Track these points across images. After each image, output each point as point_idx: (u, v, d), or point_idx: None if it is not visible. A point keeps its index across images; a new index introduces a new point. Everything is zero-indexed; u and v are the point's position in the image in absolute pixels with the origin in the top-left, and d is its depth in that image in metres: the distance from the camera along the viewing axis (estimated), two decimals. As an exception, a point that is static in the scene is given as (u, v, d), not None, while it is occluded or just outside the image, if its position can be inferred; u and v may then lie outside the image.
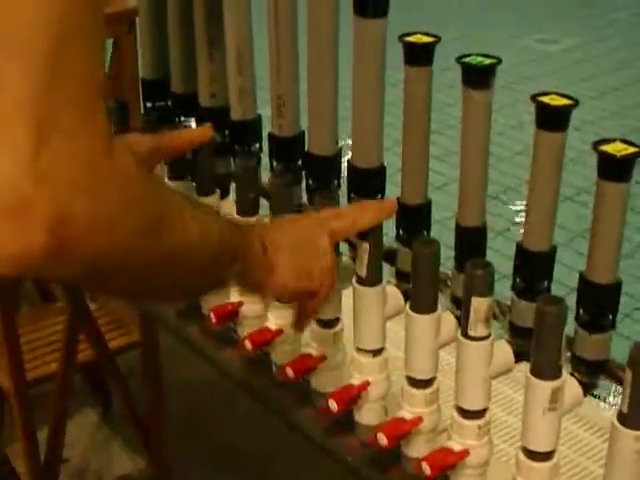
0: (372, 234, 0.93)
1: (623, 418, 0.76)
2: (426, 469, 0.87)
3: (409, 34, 0.92)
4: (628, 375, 0.73)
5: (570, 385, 0.83)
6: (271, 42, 1.09)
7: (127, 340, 1.99)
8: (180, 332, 1.23)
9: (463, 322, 0.85)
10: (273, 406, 1.10)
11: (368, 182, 1.02)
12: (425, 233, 1.00)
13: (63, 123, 0.54)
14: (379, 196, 1.03)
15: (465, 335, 0.85)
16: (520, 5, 6.04)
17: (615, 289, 0.82)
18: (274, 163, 1.16)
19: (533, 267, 0.87)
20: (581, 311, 0.84)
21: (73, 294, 1.82)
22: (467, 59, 0.85)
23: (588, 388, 0.86)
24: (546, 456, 0.83)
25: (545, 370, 0.79)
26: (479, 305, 0.84)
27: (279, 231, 0.89)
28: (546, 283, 0.87)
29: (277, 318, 1.07)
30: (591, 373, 0.86)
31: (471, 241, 0.93)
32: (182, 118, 1.32)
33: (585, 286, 0.83)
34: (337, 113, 1.05)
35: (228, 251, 0.78)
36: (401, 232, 1.01)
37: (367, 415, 1.00)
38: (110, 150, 0.58)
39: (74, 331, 1.84)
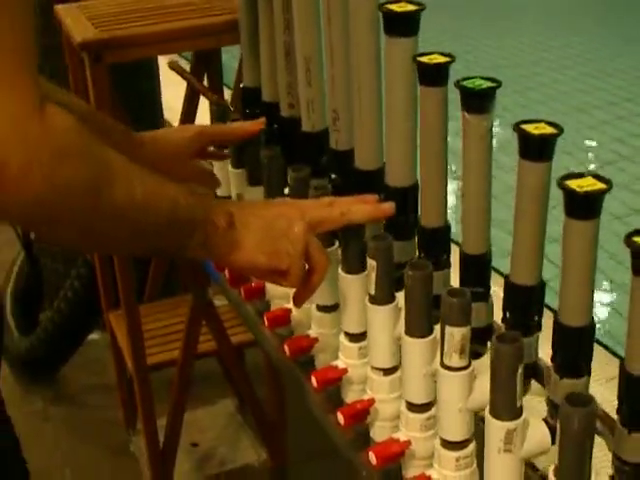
0: (380, 252, 0.93)
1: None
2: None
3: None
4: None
5: (536, 429, 0.79)
6: (326, 56, 1.11)
7: (251, 336, 2.05)
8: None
9: (440, 351, 0.84)
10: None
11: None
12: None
13: None
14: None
15: (441, 364, 0.84)
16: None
17: (589, 331, 0.77)
18: (332, 176, 1.17)
19: (521, 301, 0.84)
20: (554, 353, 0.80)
21: (197, 288, 1.91)
22: (466, 82, 0.83)
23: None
24: (506, 497, 0.79)
25: (500, 410, 0.76)
26: (453, 334, 0.82)
27: (251, 210, 0.92)
28: (536, 318, 0.84)
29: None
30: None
31: (475, 268, 0.90)
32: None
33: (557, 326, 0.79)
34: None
35: (184, 220, 0.84)
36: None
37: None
38: (39, 112, 0.70)
39: (196, 322, 1.93)
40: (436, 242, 0.96)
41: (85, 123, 0.91)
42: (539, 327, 0.84)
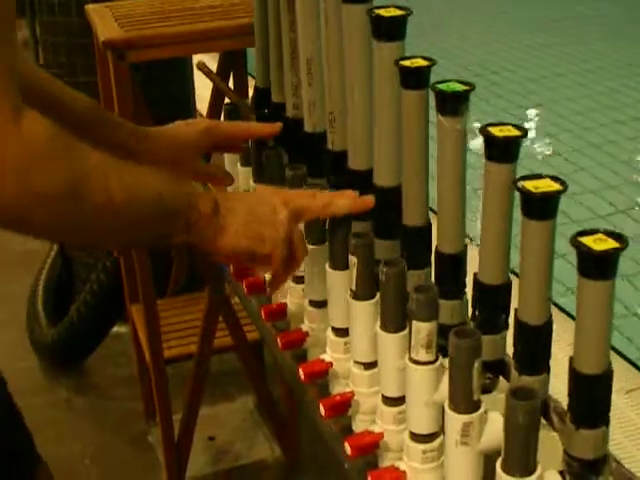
0: (360, 249, 0.95)
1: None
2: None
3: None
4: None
5: (496, 424, 0.81)
6: (324, 59, 1.14)
7: (267, 333, 2.09)
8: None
9: (409, 345, 0.86)
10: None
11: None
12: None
13: None
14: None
15: (409, 358, 0.86)
16: None
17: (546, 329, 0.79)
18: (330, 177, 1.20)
19: (489, 300, 0.86)
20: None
21: (214, 283, 1.95)
22: (440, 85, 0.86)
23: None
24: (463, 489, 0.81)
25: (457, 403, 0.79)
26: (419, 329, 0.84)
27: (236, 197, 0.97)
28: (503, 316, 0.86)
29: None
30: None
31: (450, 267, 0.93)
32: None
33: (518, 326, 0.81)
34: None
35: (168, 209, 0.87)
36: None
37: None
38: (14, 118, 0.73)
39: (213, 317, 1.97)
40: (417, 240, 0.99)
41: (85, 120, 0.96)
42: (506, 325, 0.86)
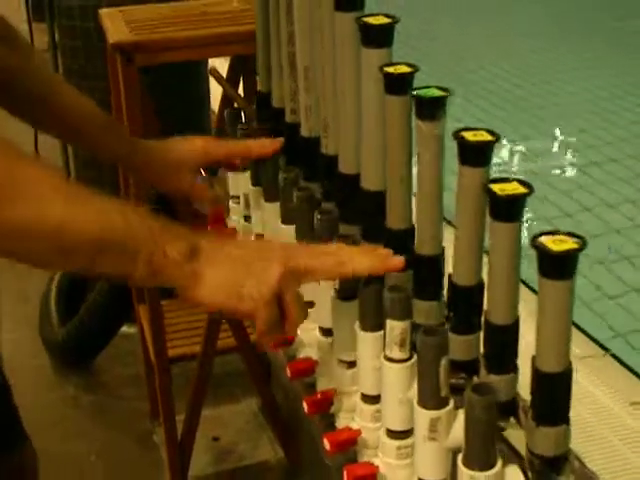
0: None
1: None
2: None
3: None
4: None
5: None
6: (319, 69, 1.17)
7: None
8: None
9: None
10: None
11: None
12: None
13: None
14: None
15: (384, 356, 0.89)
16: None
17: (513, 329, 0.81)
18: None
19: (462, 301, 0.88)
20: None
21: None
22: (419, 91, 0.88)
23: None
24: (432, 485, 0.84)
25: (425, 399, 0.81)
26: (393, 327, 0.87)
27: (226, 247, 0.87)
28: (476, 317, 0.88)
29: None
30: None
31: (430, 269, 0.95)
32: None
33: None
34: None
35: (121, 246, 0.80)
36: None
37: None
38: None
39: (216, 319, 2.00)
40: (399, 243, 1.01)
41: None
42: (479, 326, 0.88)
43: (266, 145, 1.27)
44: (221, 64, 2.10)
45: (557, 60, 5.20)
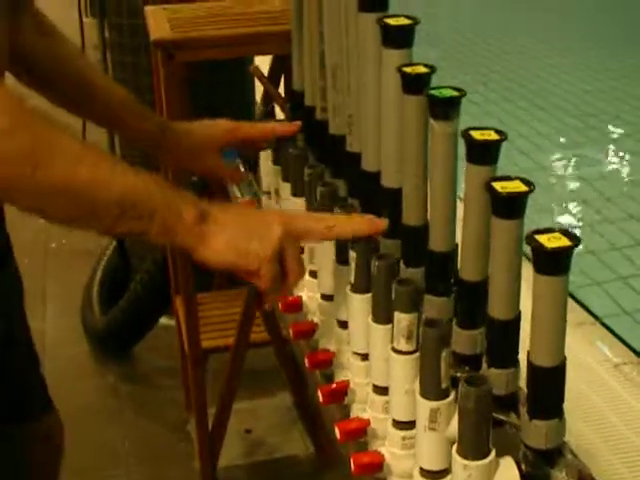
0: (359, 243, 1.00)
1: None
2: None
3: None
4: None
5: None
6: (345, 68, 1.19)
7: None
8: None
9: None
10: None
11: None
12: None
13: None
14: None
15: (391, 348, 0.91)
16: None
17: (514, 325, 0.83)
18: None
19: (468, 297, 0.90)
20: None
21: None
22: (433, 91, 0.91)
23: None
24: (433, 475, 0.86)
25: (426, 389, 0.83)
26: (400, 320, 0.89)
27: (228, 209, 0.97)
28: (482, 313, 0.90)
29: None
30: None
31: (441, 265, 0.97)
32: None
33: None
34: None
35: (140, 206, 0.89)
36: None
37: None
38: None
39: (250, 311, 2.03)
40: (414, 240, 1.03)
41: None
42: (483, 322, 0.90)
43: (286, 127, 1.35)
44: (266, 63, 2.14)
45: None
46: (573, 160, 4.14)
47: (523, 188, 0.78)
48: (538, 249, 0.71)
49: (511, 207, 0.78)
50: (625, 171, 4.05)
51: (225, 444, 2.23)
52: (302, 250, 1.12)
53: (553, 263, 0.71)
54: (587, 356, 2.26)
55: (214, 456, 2.18)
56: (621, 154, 4.22)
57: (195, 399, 2.10)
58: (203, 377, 2.08)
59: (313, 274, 1.20)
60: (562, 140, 4.37)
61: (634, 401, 2.09)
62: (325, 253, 1.13)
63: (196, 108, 1.77)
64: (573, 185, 3.93)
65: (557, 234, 0.72)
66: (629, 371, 2.22)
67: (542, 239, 0.71)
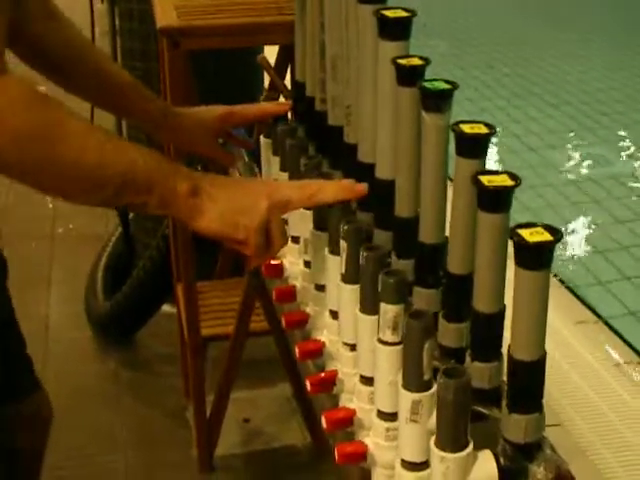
0: (350, 233, 1.01)
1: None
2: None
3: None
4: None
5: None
6: (344, 59, 1.19)
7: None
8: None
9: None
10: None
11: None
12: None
13: None
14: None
15: (377, 339, 0.91)
16: None
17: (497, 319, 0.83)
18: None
19: (455, 290, 0.90)
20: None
21: (254, 269, 2.02)
22: (426, 83, 0.91)
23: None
24: (414, 466, 0.86)
25: (408, 381, 0.83)
26: (386, 311, 0.89)
27: (221, 184, 1.03)
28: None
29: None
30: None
31: (431, 257, 0.97)
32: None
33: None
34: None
35: (141, 181, 0.96)
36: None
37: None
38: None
39: (250, 300, 2.04)
40: (406, 232, 1.03)
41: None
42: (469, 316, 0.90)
43: (276, 107, 1.41)
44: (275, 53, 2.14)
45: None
46: (583, 159, 4.12)
47: (509, 182, 0.78)
48: (520, 243, 0.71)
49: (496, 201, 0.78)
50: (636, 171, 4.04)
51: (223, 433, 2.24)
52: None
53: (535, 257, 0.71)
54: (588, 354, 2.26)
55: (212, 444, 2.19)
56: (631, 153, 4.20)
57: (194, 386, 2.10)
58: (202, 365, 2.09)
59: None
60: (572, 138, 4.35)
61: (634, 401, 2.08)
62: (319, 244, 1.13)
63: (205, 97, 1.79)
64: (583, 184, 3.91)
65: (539, 229, 0.72)
66: (630, 371, 2.22)
67: (524, 233, 0.72)
